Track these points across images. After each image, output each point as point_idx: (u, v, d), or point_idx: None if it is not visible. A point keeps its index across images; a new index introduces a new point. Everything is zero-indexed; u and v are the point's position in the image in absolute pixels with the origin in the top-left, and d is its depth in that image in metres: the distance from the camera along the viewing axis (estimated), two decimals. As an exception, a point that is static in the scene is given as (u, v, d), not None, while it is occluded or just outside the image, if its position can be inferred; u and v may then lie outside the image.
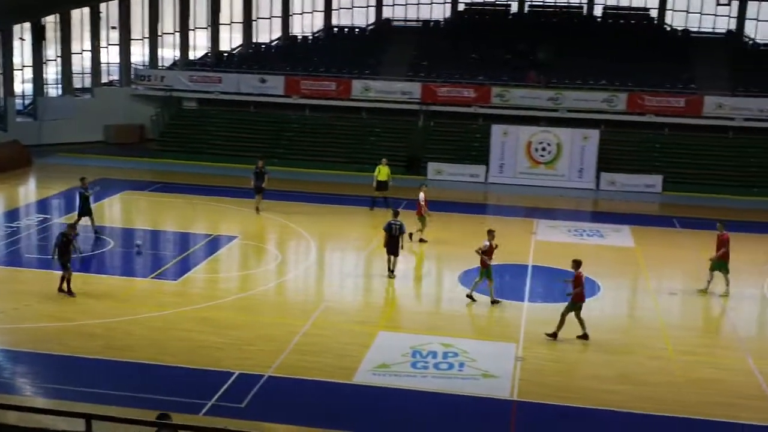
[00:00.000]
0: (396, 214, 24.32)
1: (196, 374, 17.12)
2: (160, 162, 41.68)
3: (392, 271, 23.69)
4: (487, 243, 21.95)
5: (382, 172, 32.80)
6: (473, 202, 35.94)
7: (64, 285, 21.22)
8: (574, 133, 39.65)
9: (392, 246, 23.67)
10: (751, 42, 50.90)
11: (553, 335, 19.51)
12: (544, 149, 39.65)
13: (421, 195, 28.14)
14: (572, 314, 19.51)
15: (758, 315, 22.83)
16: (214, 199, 33.51)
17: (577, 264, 19.75)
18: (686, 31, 51.09)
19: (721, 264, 23.30)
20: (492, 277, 21.90)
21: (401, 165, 41.51)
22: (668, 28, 52.10)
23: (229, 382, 16.64)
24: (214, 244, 27.05)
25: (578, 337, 19.49)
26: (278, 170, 40.06)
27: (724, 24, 51.89)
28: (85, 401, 15.21)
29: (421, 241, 27.82)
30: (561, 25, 50.66)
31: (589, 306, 21.97)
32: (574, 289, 19.47)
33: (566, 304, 19.66)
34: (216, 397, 15.97)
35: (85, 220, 26.88)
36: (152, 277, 23.49)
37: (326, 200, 34.29)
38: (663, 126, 42.66)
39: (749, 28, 51.74)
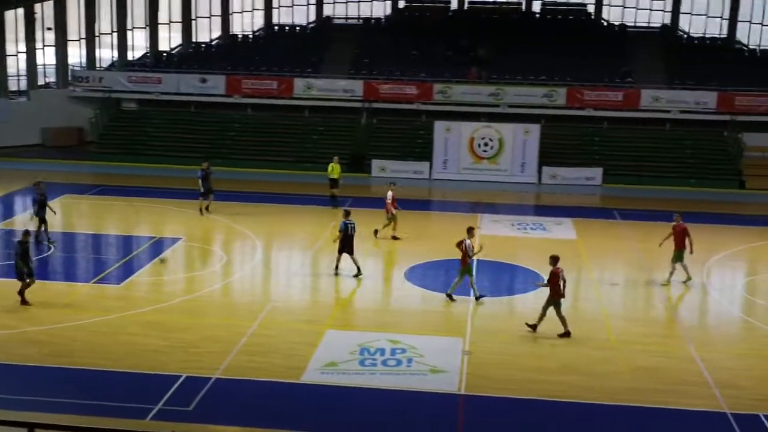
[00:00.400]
0: (347, 213, 24.23)
1: (142, 379, 16.90)
2: (100, 164, 41.09)
3: (359, 270, 23.65)
4: (469, 241, 22.04)
5: (335, 169, 32.85)
6: (417, 199, 36.09)
7: (26, 294, 20.75)
8: (515, 128, 40.06)
9: (348, 245, 23.62)
10: (685, 36, 51.98)
11: (533, 327, 19.74)
12: (486, 144, 39.99)
13: (390, 193, 28.39)
14: (553, 311, 19.61)
15: (698, 303, 23.33)
16: (156, 200, 33.16)
17: (554, 260, 19.80)
18: (623, 26, 52.02)
19: (679, 253, 23.71)
20: (472, 274, 22.17)
21: (345, 163, 41.54)
22: (605, 23, 52.99)
23: (176, 385, 16.47)
24: (157, 247, 26.75)
25: (559, 335, 19.57)
26: (222, 170, 39.80)
27: (659, 18, 52.97)
28: (28, 410, 14.91)
29: (395, 238, 28.05)
30: (500, 22, 51.16)
31: (534, 298, 22.34)
32: (550, 285, 19.54)
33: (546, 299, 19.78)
34: (163, 401, 15.79)
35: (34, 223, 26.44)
36: (95, 282, 23.14)
37: (271, 200, 34.17)
38: (602, 120, 43.38)
39: (683, 22, 52.87)
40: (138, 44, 50.55)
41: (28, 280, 20.69)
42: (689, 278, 23.80)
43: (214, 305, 21.75)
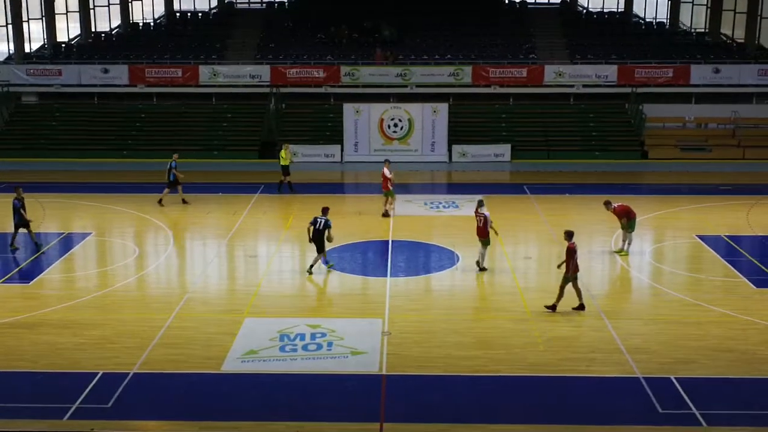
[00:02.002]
0: (325, 211, 23.26)
1: (57, 378, 16.57)
2: (2, 161, 39.77)
3: (311, 267, 23.09)
4: (488, 214, 22.88)
5: (286, 156, 32.84)
6: (331, 182, 36.08)
7: None
8: (424, 107, 40.31)
9: (319, 241, 22.93)
10: (584, 11, 53.09)
11: (552, 307, 19.98)
12: (396, 125, 40.16)
13: (386, 170, 28.70)
14: (571, 287, 19.96)
15: (608, 272, 23.97)
16: (62, 195, 32.29)
17: (569, 235, 20.11)
18: (524, 3, 52.77)
19: (630, 223, 24.69)
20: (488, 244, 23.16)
21: (255, 149, 41.26)
22: (507, 1, 53.64)
23: (93, 383, 16.20)
24: (67, 243, 26.13)
25: (574, 308, 20.02)
26: (129, 162, 39.14)
27: (559, -6, 53.96)
28: (-61, 417, 14.50)
29: (386, 215, 28.59)
30: (404, 2, 51.25)
31: (449, 276, 22.64)
32: (568, 261, 19.81)
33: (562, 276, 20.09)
34: (80, 399, 15.52)
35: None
36: (2, 282, 22.49)
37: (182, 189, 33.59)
38: (508, 96, 44.01)
39: (582, -2, 54.03)
40: (35, 36, 48.97)
41: None
42: (624, 250, 24.80)
43: (129, 300, 21.38)
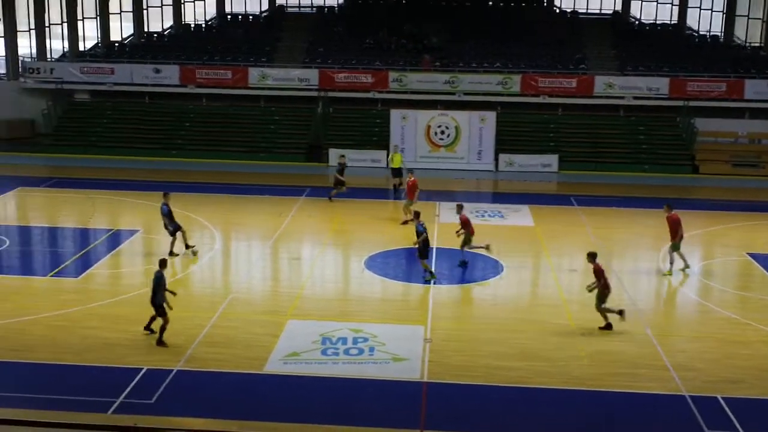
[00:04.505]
0: (417, 215, 23.43)
1: (101, 372, 16.78)
2: (54, 157, 40.46)
3: (431, 274, 22.83)
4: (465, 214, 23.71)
5: (396, 159, 32.95)
6: (375, 188, 36.12)
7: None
8: (471, 115, 40.19)
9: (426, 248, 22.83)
10: (636, 22, 52.58)
11: (607, 326, 19.53)
12: (443, 132, 40.09)
13: (412, 179, 28.69)
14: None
15: (655, 288, 23.66)
16: (112, 192, 32.75)
17: (592, 257, 19.76)
18: (575, 13, 52.45)
19: (672, 245, 23.80)
20: None
21: (302, 152, 41.47)
22: (557, 10, 53.36)
23: (137, 378, 16.38)
24: (115, 239, 26.47)
25: (600, 328, 19.56)
26: (177, 161, 39.57)
27: (611, 5, 53.53)
28: (-14, 406, 14.76)
29: (405, 223, 28.44)
30: (453, 8, 51.27)
31: (492, 285, 22.53)
32: (598, 282, 19.47)
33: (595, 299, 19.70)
34: (124, 394, 15.70)
35: None
36: (51, 275, 22.85)
37: (228, 190, 33.91)
38: (557, 106, 43.71)
39: (634, 9, 53.52)
40: (89, 35, 49.76)
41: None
42: (687, 266, 24.03)
43: (175, 297, 21.54)
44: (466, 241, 24.22)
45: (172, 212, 24.65)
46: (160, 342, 18.00)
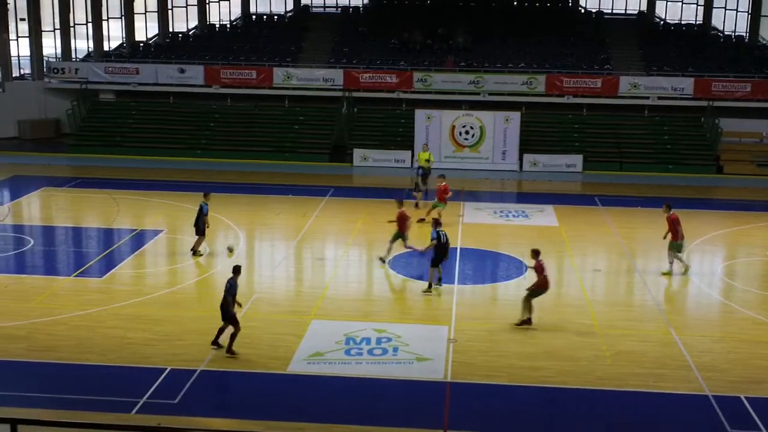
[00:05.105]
0: (438, 223, 22.95)
1: (125, 372, 16.87)
2: (79, 157, 40.78)
3: (439, 280, 22.41)
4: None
5: (422, 158, 33.11)
6: (399, 188, 36.05)
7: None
8: (496, 115, 40.08)
9: (444, 253, 22.40)
10: (661, 22, 52.21)
11: (526, 322, 19.56)
12: (467, 132, 40.01)
13: (444, 183, 28.47)
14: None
15: (678, 288, 23.49)
16: (137, 193, 32.94)
17: (535, 254, 19.77)
18: (600, 13, 52.18)
19: (673, 244, 23.64)
20: None
21: (326, 153, 41.52)
22: (582, 10, 53.11)
23: (161, 378, 16.45)
24: (139, 239, 26.62)
25: (516, 324, 19.56)
26: (202, 161, 39.75)
27: (636, 5, 53.21)
28: (11, 406, 14.85)
29: (422, 220, 28.54)
30: (478, 9, 51.15)
31: (518, 285, 22.42)
32: (538, 277, 19.59)
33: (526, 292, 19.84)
34: (148, 394, 15.77)
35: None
36: (75, 276, 23.00)
37: (252, 190, 34.03)
38: (581, 107, 43.50)
39: (659, 9, 53.15)
40: (114, 35, 50.13)
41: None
42: (687, 267, 23.87)
43: (197, 297, 21.70)
44: (397, 238, 24.17)
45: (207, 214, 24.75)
46: (230, 351, 17.58)
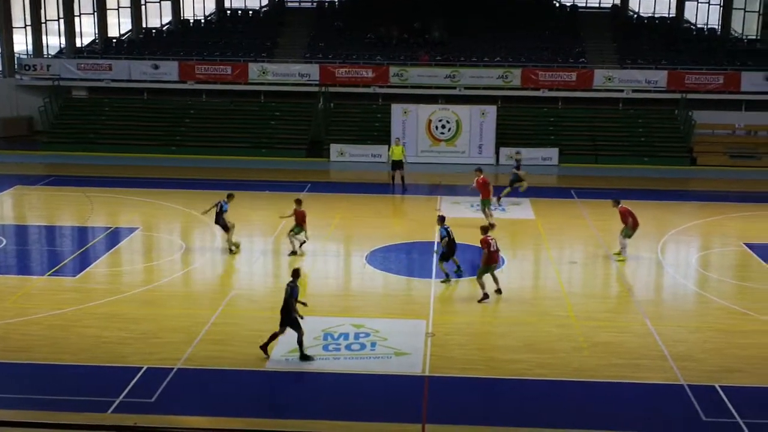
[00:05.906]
0: (443, 219, 22.95)
1: (100, 372, 16.70)
2: (52, 154, 40.43)
3: (447, 277, 22.38)
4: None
5: (396, 151, 32.97)
6: (377, 182, 36.03)
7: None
8: (472, 109, 40.16)
9: (453, 249, 22.41)
10: (635, 16, 52.47)
11: (484, 297, 20.61)
12: (444, 126, 40.05)
13: (482, 176, 28.09)
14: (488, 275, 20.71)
15: (654, 279, 23.66)
16: (111, 190, 32.69)
17: (483, 230, 21.10)
18: (574, 6, 52.33)
19: (624, 230, 24.22)
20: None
21: (303, 148, 41.41)
22: (557, 4, 53.25)
23: (137, 377, 16.31)
24: (114, 237, 26.42)
25: (479, 301, 20.58)
26: (177, 158, 39.52)
27: (609, -2, 53.45)
28: (-17, 407, 14.71)
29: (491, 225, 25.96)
30: (454, 3, 51.09)
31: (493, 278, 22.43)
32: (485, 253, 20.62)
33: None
34: (124, 393, 15.62)
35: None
36: (49, 275, 22.76)
37: (228, 186, 33.73)
38: (556, 100, 43.68)
39: (633, 2, 53.39)
40: (86, 31, 49.70)
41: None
42: (621, 253, 24.42)
43: (174, 295, 21.54)
44: (294, 231, 24.45)
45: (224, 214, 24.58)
46: (265, 348, 17.25)
